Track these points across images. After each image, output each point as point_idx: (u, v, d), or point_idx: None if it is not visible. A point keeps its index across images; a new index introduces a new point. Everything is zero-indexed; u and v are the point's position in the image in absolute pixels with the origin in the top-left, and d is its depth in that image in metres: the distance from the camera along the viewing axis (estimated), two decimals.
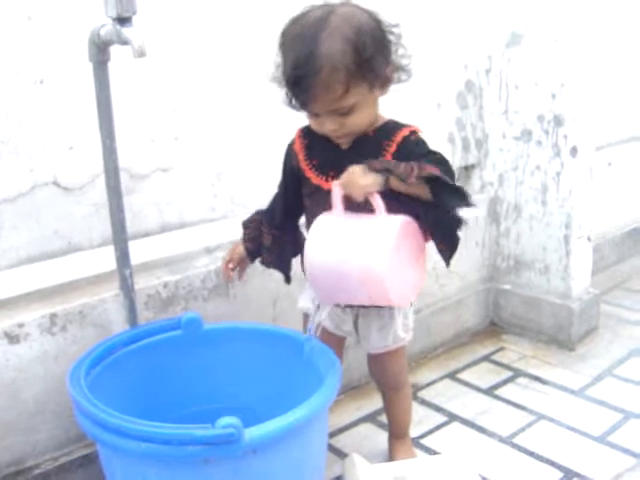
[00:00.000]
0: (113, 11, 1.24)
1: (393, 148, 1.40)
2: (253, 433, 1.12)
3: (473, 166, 2.39)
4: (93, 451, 1.50)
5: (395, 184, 1.32)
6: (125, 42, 1.25)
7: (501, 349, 2.30)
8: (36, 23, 1.46)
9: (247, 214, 1.64)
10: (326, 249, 1.32)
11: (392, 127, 1.44)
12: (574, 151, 2.16)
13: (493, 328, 2.43)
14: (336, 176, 1.37)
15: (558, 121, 2.16)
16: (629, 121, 2.93)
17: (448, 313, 2.29)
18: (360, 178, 1.31)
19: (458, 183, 1.37)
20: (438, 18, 2.17)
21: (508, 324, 2.41)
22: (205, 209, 1.78)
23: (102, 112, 1.40)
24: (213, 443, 1.10)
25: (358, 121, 1.38)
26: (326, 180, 1.43)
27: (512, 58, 2.23)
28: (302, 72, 1.30)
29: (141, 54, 1.22)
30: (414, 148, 1.40)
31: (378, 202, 1.32)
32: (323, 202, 1.39)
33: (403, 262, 1.32)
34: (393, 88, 1.42)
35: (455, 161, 2.32)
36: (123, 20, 1.25)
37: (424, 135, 1.44)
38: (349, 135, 1.41)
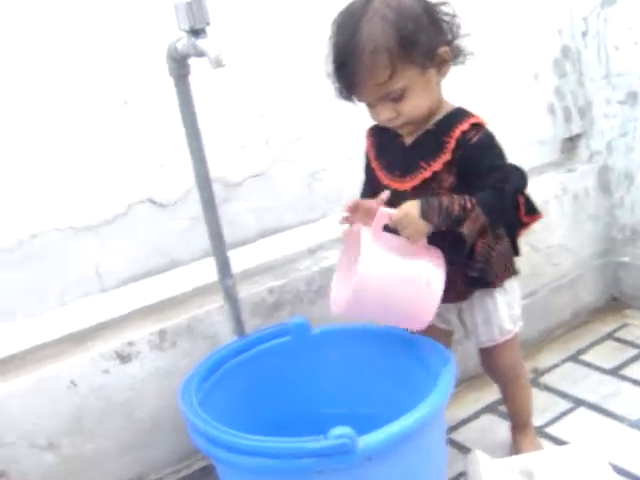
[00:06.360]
0: (186, 24, 1.23)
1: (452, 145, 1.34)
2: (367, 441, 1.09)
3: (579, 136, 2.28)
4: (211, 462, 1.51)
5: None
6: (201, 54, 1.23)
7: (624, 325, 2.17)
8: (113, 43, 1.47)
9: None
10: (376, 282, 1.30)
11: (453, 119, 1.37)
12: None
13: (614, 304, 2.30)
14: (401, 175, 1.36)
15: None
16: None
17: (564, 292, 2.19)
18: (413, 224, 1.29)
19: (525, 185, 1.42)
20: None
21: (631, 298, 2.27)
22: (303, 210, 1.75)
23: (188, 125, 1.39)
24: (326, 455, 1.07)
25: (414, 107, 1.33)
26: (392, 180, 1.41)
27: (608, 18, 2.10)
28: (344, 57, 1.29)
29: (218, 64, 1.20)
30: (474, 154, 1.34)
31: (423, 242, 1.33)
32: (392, 202, 1.35)
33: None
34: (473, 65, 1.36)
35: (558, 133, 2.22)
36: (197, 32, 1.23)
37: (489, 127, 1.37)
38: (408, 124, 1.36)
